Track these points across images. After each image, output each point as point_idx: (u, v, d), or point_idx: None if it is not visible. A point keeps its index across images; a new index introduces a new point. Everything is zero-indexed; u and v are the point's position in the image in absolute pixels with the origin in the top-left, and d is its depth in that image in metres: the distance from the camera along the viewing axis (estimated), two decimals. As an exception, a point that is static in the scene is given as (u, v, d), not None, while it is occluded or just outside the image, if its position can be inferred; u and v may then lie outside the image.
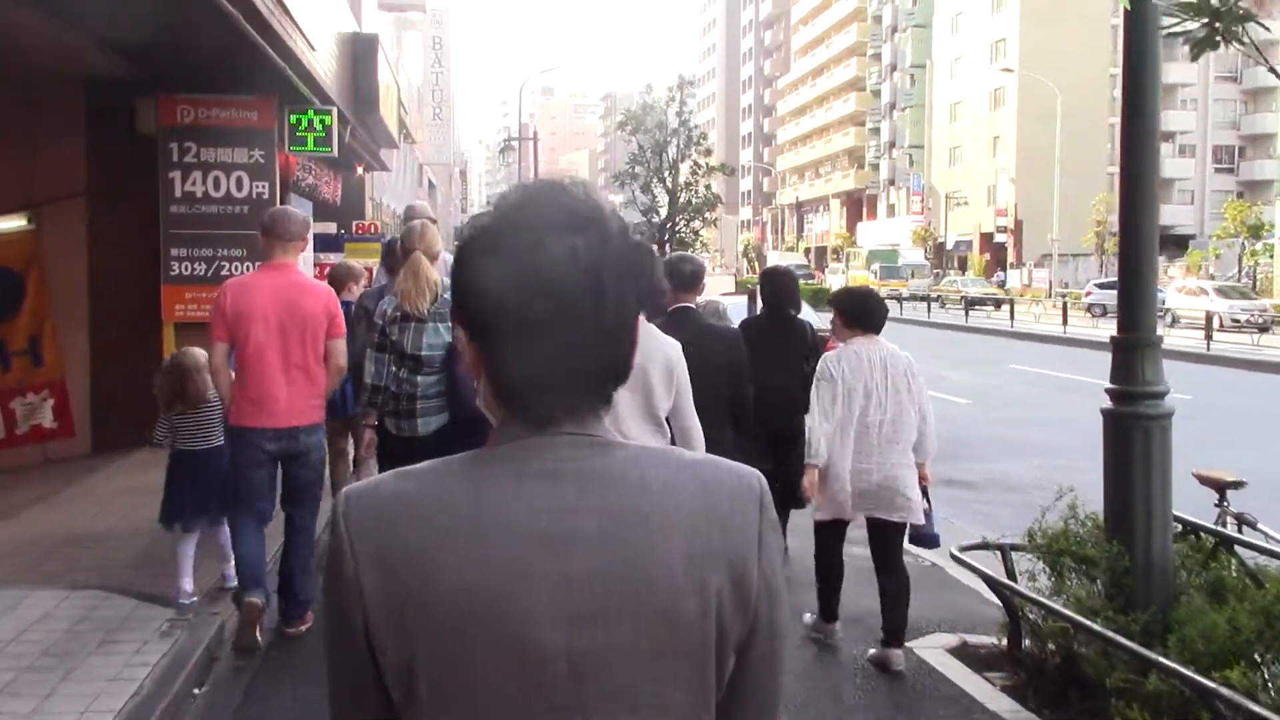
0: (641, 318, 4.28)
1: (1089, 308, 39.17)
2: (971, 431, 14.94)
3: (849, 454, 5.55)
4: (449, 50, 34.81)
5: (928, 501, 5.89)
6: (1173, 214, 75.37)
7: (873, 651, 5.85)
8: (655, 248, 19.45)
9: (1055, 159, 57.32)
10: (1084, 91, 65.39)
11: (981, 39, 75.18)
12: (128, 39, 9.06)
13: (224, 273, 10.72)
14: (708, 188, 20.51)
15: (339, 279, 8.00)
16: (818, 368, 5.74)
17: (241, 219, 10.73)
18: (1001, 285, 57.70)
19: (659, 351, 4.31)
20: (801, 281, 41.03)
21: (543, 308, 1.24)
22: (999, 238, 69.76)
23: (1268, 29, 4.59)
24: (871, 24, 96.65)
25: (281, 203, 11.25)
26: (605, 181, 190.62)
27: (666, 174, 20.05)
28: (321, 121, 10.77)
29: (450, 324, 5.08)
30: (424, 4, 21.96)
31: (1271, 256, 45.72)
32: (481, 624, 1.24)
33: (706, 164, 20.46)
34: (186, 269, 10.69)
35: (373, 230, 18.06)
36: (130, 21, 8.42)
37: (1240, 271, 47.29)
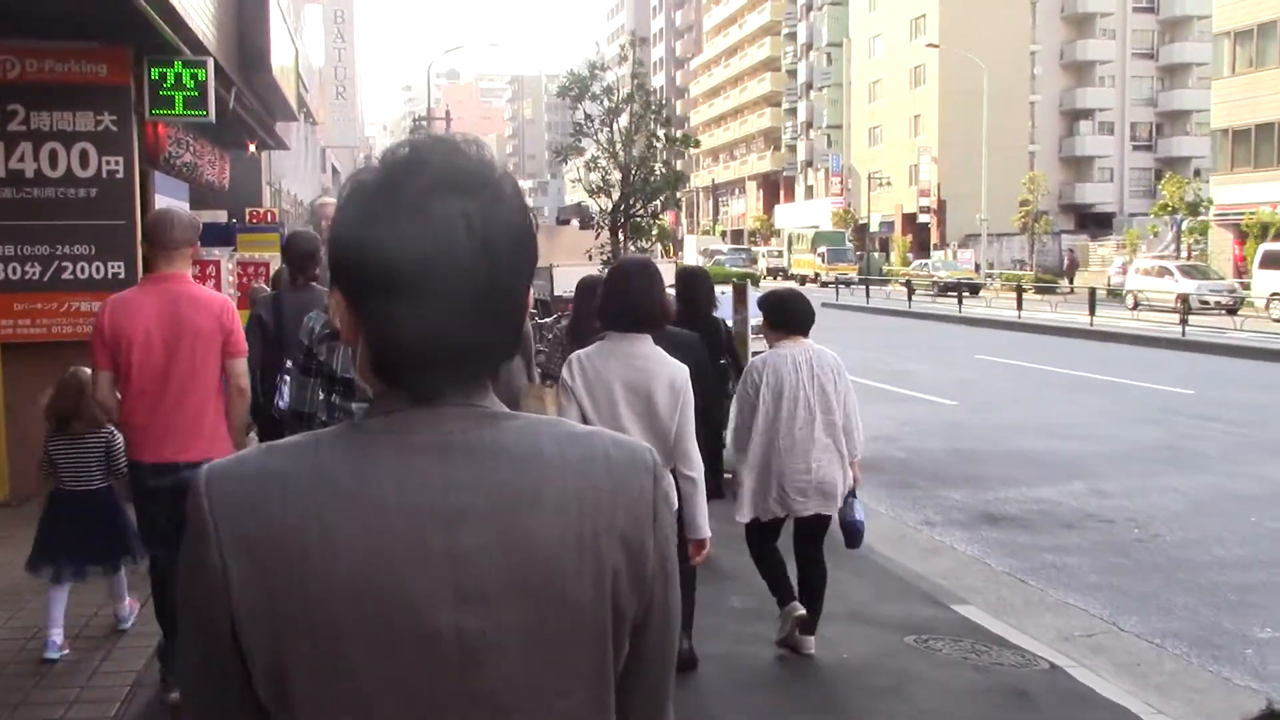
0: (648, 340, 4.51)
1: (1126, 295, 34.65)
2: (976, 442, 12.88)
3: (781, 455, 5.57)
4: (352, 24, 32.19)
5: (854, 495, 5.93)
6: (1094, 192, 75.16)
7: (782, 636, 5.82)
8: (608, 233, 17.03)
9: (982, 137, 56.06)
10: (1005, 70, 64.11)
11: (901, 16, 73.62)
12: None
13: (65, 276, 8.20)
14: (666, 164, 17.74)
15: (255, 302, 7.28)
16: (744, 372, 5.85)
17: (88, 204, 8.19)
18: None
19: (664, 374, 4.38)
20: (739, 268, 39.20)
21: (429, 275, 1.17)
22: (922, 218, 68.46)
23: None
24: (786, 2, 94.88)
25: (143, 182, 8.74)
26: (514, 166, 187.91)
27: (619, 148, 17.28)
28: (193, 76, 8.23)
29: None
30: (324, -39, 19.31)
31: (1206, 233, 44.68)
32: (364, 610, 1.16)
33: (665, 135, 17.68)
34: (15, 272, 8.13)
35: (270, 219, 15.61)
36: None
37: (1178, 249, 46.21)
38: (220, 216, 14.74)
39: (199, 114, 8.34)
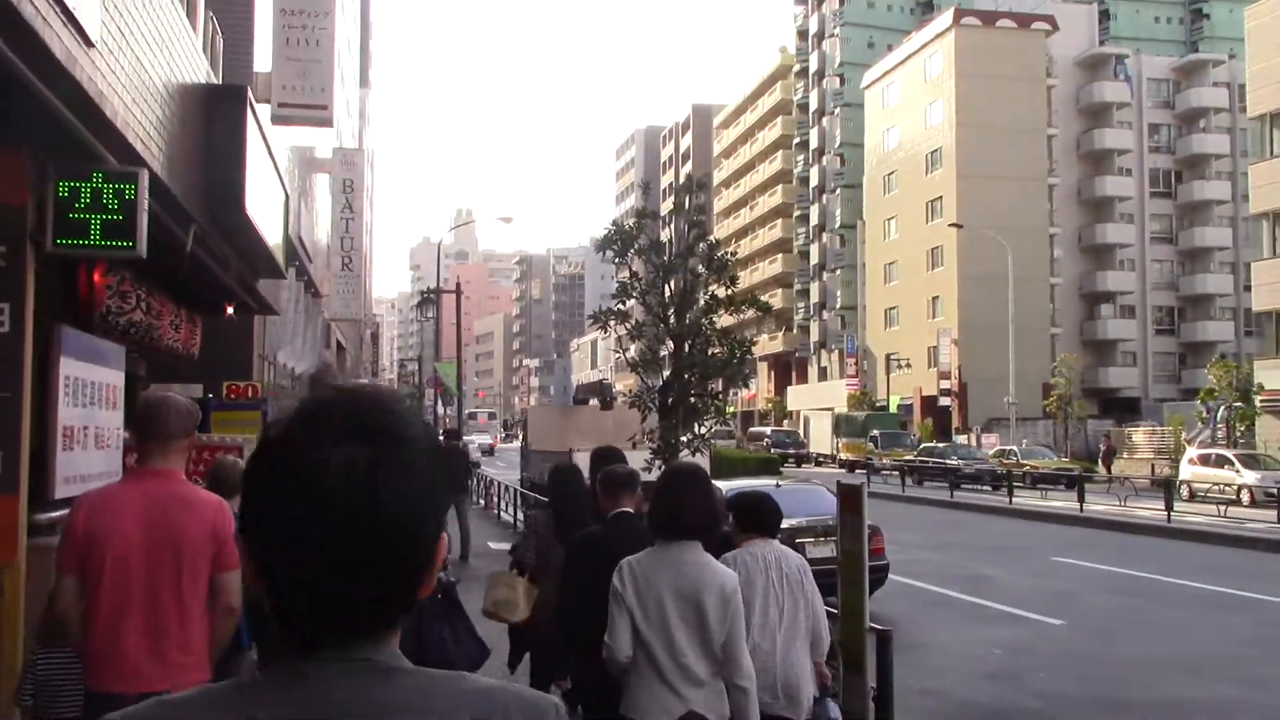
0: (698, 547, 4.41)
1: (1180, 485, 30.85)
2: (1120, 687, 10.12)
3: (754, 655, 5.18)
4: (361, 195, 30.60)
5: (828, 696, 5.82)
6: (1117, 376, 73.34)
7: None
8: (656, 414, 14.50)
9: (1006, 319, 54.35)
10: (1024, 252, 62.76)
11: (916, 198, 73.01)
12: None
13: (-85, 472, 5.71)
14: (726, 335, 14.94)
15: (223, 482, 5.82)
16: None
17: (-43, 371, 5.76)
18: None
19: (715, 582, 4.31)
20: (785, 451, 36.34)
21: (308, 525, 1.13)
22: (943, 401, 66.28)
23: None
24: (797, 185, 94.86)
25: (48, 340, 6.35)
26: (520, 345, 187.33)
27: (670, 314, 14.38)
28: (118, 195, 5.90)
29: None
30: (330, 113, 17.36)
31: (1254, 421, 42.25)
32: None
33: (729, 296, 14.95)
34: None
35: (251, 395, 13.27)
36: None
37: (1214, 435, 43.71)
38: (194, 391, 12.43)
39: (123, 246, 5.98)
